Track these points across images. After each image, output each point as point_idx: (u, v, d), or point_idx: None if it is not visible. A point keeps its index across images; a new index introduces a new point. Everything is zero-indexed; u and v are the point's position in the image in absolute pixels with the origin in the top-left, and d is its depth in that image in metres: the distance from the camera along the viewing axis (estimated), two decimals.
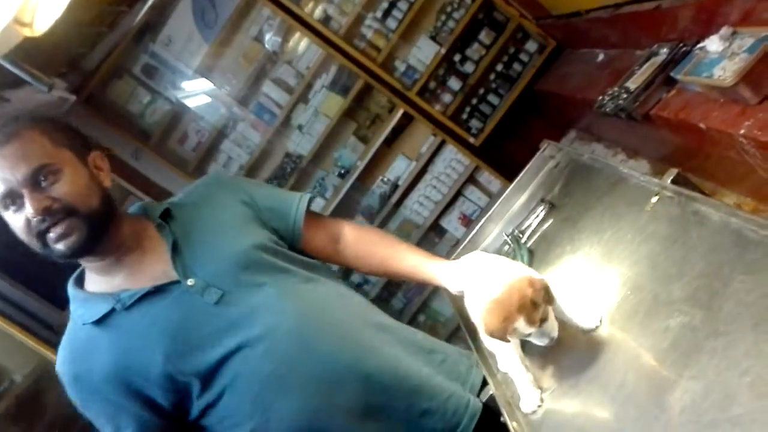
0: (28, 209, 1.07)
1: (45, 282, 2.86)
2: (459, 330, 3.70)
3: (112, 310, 1.14)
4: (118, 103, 3.50)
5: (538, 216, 1.55)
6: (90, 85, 3.33)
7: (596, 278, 1.19)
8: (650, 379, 0.92)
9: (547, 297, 1.02)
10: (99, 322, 1.14)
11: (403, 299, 3.73)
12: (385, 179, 3.63)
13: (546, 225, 1.52)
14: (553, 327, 1.05)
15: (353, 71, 3.40)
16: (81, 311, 1.17)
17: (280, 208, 1.33)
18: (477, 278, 1.10)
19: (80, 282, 1.22)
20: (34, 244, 1.11)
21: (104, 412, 1.16)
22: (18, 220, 1.09)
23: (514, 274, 1.04)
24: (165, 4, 3.40)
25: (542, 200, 1.59)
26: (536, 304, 1.00)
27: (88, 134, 1.23)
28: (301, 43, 3.54)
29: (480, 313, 1.04)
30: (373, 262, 1.36)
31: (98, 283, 1.20)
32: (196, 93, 3.59)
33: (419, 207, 3.61)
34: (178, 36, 3.43)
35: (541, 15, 3.36)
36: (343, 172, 3.56)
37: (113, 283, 1.18)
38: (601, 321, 1.07)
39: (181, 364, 1.12)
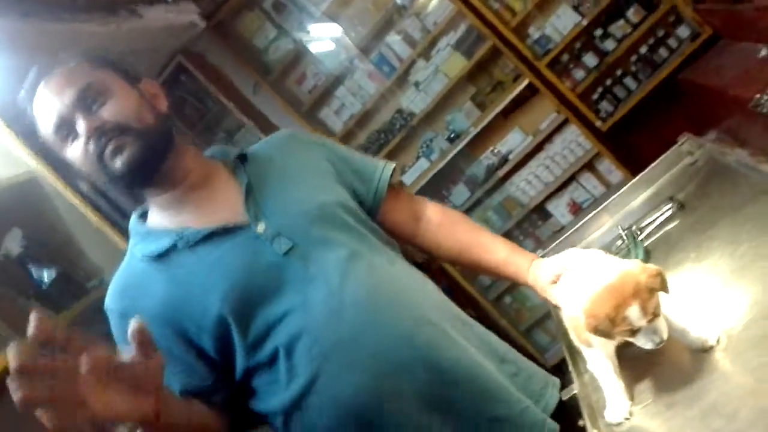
0: (81, 130, 1.02)
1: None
2: (545, 320, 3.56)
3: (174, 247, 1.06)
4: (245, 35, 3.55)
5: (663, 214, 1.39)
6: (221, 13, 3.38)
7: (721, 294, 1.05)
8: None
9: (663, 285, 0.91)
10: (158, 258, 1.07)
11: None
12: (496, 151, 3.48)
13: (670, 226, 1.36)
14: (663, 326, 0.92)
15: (482, 32, 3.23)
16: (140, 245, 1.11)
17: (363, 170, 1.26)
18: (581, 267, 1.00)
19: (143, 218, 1.16)
20: (95, 171, 1.05)
21: None
22: (76, 150, 1.04)
23: (627, 262, 0.94)
24: None
25: (670, 198, 1.43)
26: (652, 290, 0.89)
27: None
28: (432, 0, 3.41)
29: (585, 303, 0.93)
30: (455, 246, 1.26)
31: (162, 219, 1.12)
32: (320, 36, 3.57)
33: (527, 185, 3.44)
34: None
35: None
36: (453, 136, 3.44)
37: (177, 219, 1.11)
38: (719, 341, 0.94)
39: (238, 311, 1.03)
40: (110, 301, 1.10)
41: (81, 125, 1.01)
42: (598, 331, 0.92)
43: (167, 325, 1.04)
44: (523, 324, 3.63)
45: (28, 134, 1.81)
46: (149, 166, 1.06)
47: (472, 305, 3.61)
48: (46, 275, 1.87)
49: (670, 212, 1.38)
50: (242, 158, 1.18)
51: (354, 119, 3.53)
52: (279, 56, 3.53)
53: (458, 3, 3.20)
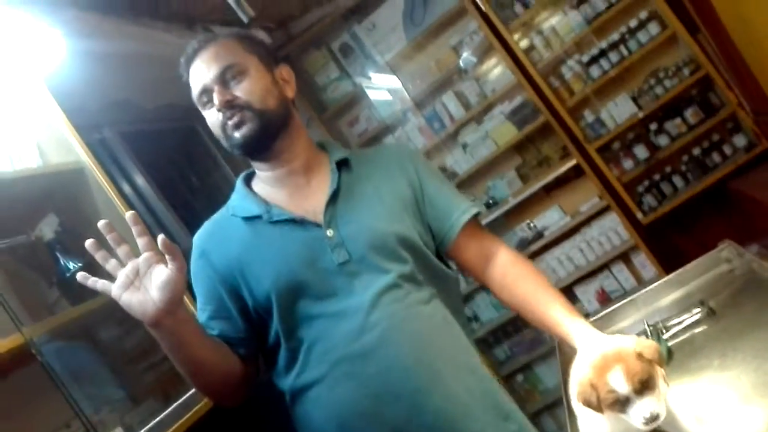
0: (215, 102, 1.21)
1: (192, 211, 3.05)
2: (555, 407, 3.44)
3: (259, 217, 1.24)
4: (309, 71, 3.65)
5: (691, 317, 1.35)
6: (290, 46, 3.51)
7: (738, 408, 1.00)
8: None
9: (655, 355, 0.90)
10: (245, 219, 1.25)
11: (508, 352, 3.52)
12: (532, 225, 3.46)
13: (697, 330, 1.32)
14: (658, 402, 0.88)
15: (538, 107, 3.26)
16: (236, 203, 1.30)
17: (442, 209, 1.32)
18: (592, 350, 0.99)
19: (248, 180, 1.33)
20: (221, 136, 1.24)
21: (207, 293, 1.25)
22: (211, 116, 1.24)
23: (627, 337, 0.95)
24: None
25: (701, 302, 1.39)
26: (640, 356, 0.88)
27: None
28: (494, 68, 3.48)
29: (579, 373, 0.93)
30: (515, 296, 1.29)
31: (260, 189, 1.30)
32: (379, 84, 3.66)
33: (558, 265, 3.39)
34: (383, 25, 3.50)
35: (762, 110, 3.01)
36: (491, 202, 3.44)
37: (273, 195, 1.28)
38: None
39: (283, 295, 1.18)
40: (198, 238, 1.30)
41: (216, 97, 1.20)
42: (585, 401, 0.90)
43: (228, 276, 1.22)
44: (532, 406, 3.52)
45: (83, 127, 1.88)
46: (262, 142, 1.24)
47: None
48: (72, 266, 1.89)
49: (699, 316, 1.35)
50: (344, 162, 1.31)
51: None
52: (337, 96, 3.61)
53: (519, 76, 3.25)
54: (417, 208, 1.30)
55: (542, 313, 1.23)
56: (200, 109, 1.26)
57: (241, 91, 1.21)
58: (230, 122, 1.21)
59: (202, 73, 1.22)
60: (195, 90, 1.24)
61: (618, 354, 0.89)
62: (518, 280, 1.30)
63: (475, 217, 1.34)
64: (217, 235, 1.28)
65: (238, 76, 1.21)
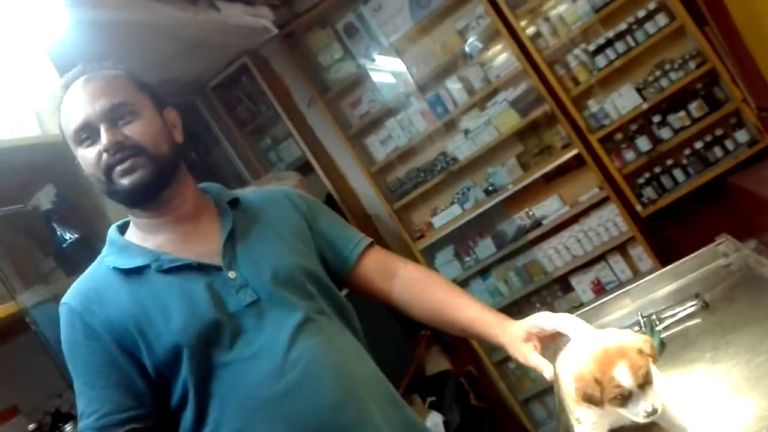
0: (102, 141, 1.09)
1: None
2: (546, 394, 3.46)
3: (147, 267, 1.12)
4: (312, 50, 3.62)
5: (686, 310, 1.35)
6: (294, 24, 3.47)
7: (729, 401, 1.01)
8: None
9: (651, 349, 0.92)
10: (128, 272, 1.13)
11: None
12: (530, 213, 3.45)
13: (691, 322, 1.33)
14: (656, 396, 0.90)
15: (542, 95, 3.25)
16: (114, 256, 1.16)
17: (339, 240, 1.31)
18: (580, 339, 0.99)
19: (122, 231, 1.22)
20: (100, 180, 1.12)
21: (96, 361, 1.09)
22: (90, 154, 1.10)
23: (619, 331, 0.96)
24: None
25: (696, 295, 1.40)
26: (641, 352, 0.89)
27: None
28: (500, 54, 3.45)
29: (574, 369, 0.92)
30: (429, 305, 1.27)
31: (140, 239, 1.18)
32: (383, 66, 3.62)
33: (555, 254, 3.39)
34: (389, 6, 3.47)
35: (767, 106, 3.00)
36: (490, 189, 3.43)
37: (155, 242, 1.17)
38: None
39: (194, 345, 1.08)
40: (71, 299, 1.13)
41: (104, 136, 1.09)
42: (586, 395, 0.90)
43: (120, 336, 1.08)
44: (523, 393, 3.54)
45: None
46: (152, 190, 1.14)
47: (474, 363, 3.55)
48: (68, 236, 1.89)
49: (693, 309, 1.35)
50: (234, 203, 1.25)
51: (397, 152, 3.55)
52: (340, 77, 3.59)
53: (524, 62, 3.23)
54: (313, 243, 1.27)
55: (463, 313, 1.22)
56: (73, 145, 1.12)
57: (133, 131, 1.10)
58: (120, 167, 1.09)
59: (85, 105, 1.09)
60: (73, 123, 1.10)
61: (621, 349, 0.89)
62: (429, 287, 1.28)
63: (372, 245, 1.33)
64: (96, 293, 1.12)
65: (128, 116, 1.11)
